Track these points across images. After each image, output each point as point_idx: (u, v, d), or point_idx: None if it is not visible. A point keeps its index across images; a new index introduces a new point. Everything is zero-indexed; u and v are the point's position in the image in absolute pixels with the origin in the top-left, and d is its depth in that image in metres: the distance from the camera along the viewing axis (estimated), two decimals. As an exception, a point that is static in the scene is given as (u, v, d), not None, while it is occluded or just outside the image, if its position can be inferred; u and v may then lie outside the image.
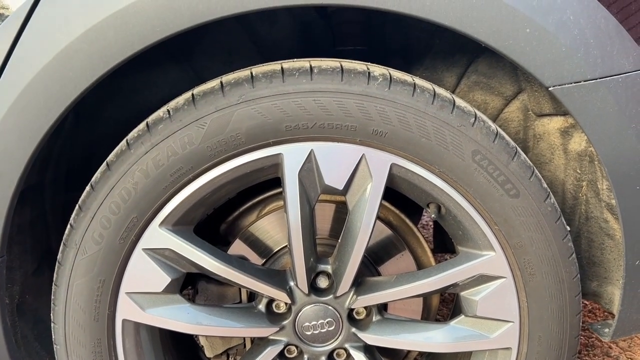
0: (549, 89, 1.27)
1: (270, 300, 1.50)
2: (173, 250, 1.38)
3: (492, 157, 1.31)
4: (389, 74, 1.29)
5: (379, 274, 1.68)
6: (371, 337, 1.47)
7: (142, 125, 1.31)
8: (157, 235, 1.36)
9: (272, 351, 1.47)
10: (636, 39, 1.27)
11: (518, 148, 1.33)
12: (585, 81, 1.25)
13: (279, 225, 1.66)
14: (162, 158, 1.28)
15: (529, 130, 1.63)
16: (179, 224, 1.39)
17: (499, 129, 1.34)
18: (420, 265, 1.70)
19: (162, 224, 1.36)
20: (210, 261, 1.39)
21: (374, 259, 1.70)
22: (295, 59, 1.33)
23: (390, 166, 1.33)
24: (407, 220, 1.69)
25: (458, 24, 1.23)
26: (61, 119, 1.27)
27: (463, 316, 1.45)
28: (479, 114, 1.33)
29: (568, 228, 1.36)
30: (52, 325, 1.37)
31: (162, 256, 1.39)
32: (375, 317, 1.50)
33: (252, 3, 1.22)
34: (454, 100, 1.31)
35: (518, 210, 1.32)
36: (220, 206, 1.62)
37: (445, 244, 2.10)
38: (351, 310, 1.48)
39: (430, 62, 1.74)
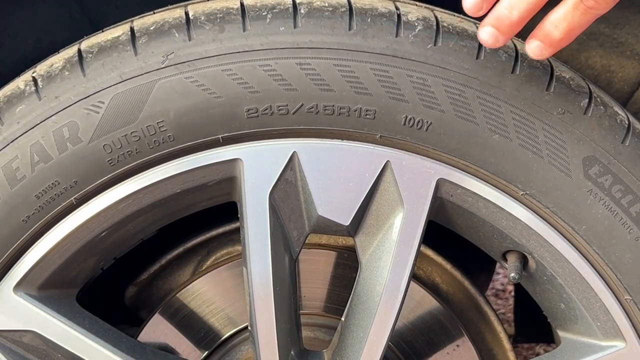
0: None
1: None
2: (39, 333, 1.14)
3: (620, 171, 1.12)
4: (435, 17, 1.10)
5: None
6: None
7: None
8: (11, 307, 1.15)
9: None
10: None
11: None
12: None
13: (232, 291, 1.43)
14: (22, 165, 1.10)
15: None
16: (51, 287, 1.18)
17: (632, 120, 1.15)
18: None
19: (19, 287, 1.16)
20: (106, 355, 1.17)
21: (407, 353, 1.46)
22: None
23: (437, 184, 1.13)
24: (467, 283, 1.46)
25: None
26: None
27: None
28: (597, 91, 1.14)
29: None
30: None
31: (16, 345, 1.17)
32: None
33: None
34: (552, 67, 1.11)
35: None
36: (128, 254, 1.38)
37: (536, 327, 1.94)
38: None
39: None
